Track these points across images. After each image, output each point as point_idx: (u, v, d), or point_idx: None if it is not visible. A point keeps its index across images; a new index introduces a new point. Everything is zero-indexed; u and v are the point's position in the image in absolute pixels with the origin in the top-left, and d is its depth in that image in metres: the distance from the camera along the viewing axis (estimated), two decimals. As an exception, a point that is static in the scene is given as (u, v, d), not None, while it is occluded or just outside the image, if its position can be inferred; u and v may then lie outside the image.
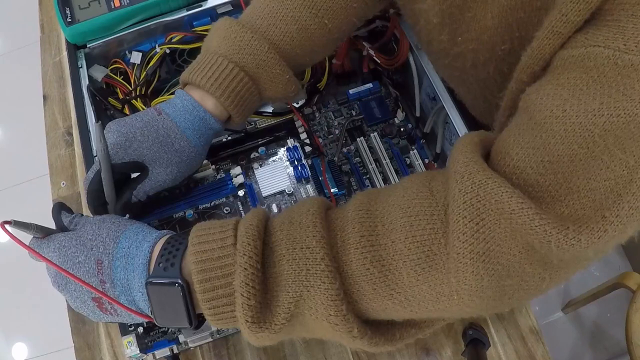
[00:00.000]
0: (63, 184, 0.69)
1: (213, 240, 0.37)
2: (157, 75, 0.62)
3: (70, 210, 0.45)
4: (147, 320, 0.41)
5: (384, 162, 0.59)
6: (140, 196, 0.47)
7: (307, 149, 0.60)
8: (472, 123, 0.54)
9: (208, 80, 0.46)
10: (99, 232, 0.41)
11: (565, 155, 0.32)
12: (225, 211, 0.53)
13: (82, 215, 0.45)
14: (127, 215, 0.47)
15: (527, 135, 0.34)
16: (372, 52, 0.63)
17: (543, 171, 0.33)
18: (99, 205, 0.47)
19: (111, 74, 0.62)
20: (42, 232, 0.42)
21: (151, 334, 0.50)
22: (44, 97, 0.75)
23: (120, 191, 0.47)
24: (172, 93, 0.61)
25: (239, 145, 0.62)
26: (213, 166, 0.55)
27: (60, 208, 0.45)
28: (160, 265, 0.38)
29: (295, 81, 0.50)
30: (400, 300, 0.36)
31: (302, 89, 0.63)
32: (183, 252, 0.38)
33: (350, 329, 0.36)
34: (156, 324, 0.40)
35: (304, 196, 0.58)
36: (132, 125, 0.46)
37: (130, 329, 0.49)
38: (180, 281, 0.37)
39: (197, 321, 0.39)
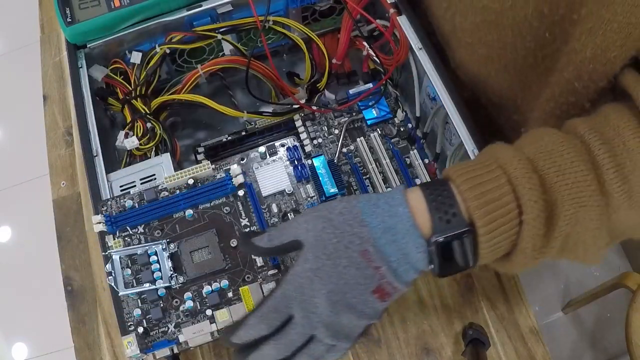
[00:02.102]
0: (63, 184, 0.69)
1: (487, 181, 0.38)
2: (157, 75, 0.61)
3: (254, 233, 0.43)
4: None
5: (384, 162, 0.59)
6: None
7: (307, 148, 0.60)
8: (472, 123, 0.54)
9: None
10: (336, 228, 0.39)
11: None
12: (225, 211, 0.53)
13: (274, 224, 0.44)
14: None
15: None
16: (372, 52, 0.63)
17: None
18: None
19: (111, 74, 0.62)
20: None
21: (151, 333, 0.50)
22: (44, 97, 0.75)
23: None
24: (172, 93, 0.61)
25: (239, 145, 0.62)
26: (213, 166, 0.55)
27: (245, 238, 0.43)
28: (441, 218, 0.38)
29: None
30: None
31: (303, 88, 0.63)
32: (454, 201, 0.38)
33: (605, 240, 0.40)
34: (435, 275, 0.40)
35: (304, 196, 0.58)
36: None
37: (130, 328, 0.49)
38: (469, 228, 0.38)
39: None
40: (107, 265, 0.50)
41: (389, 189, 0.39)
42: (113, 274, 0.50)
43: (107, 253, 0.51)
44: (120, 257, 0.50)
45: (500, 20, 0.48)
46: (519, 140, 0.42)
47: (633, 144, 0.38)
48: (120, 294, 0.50)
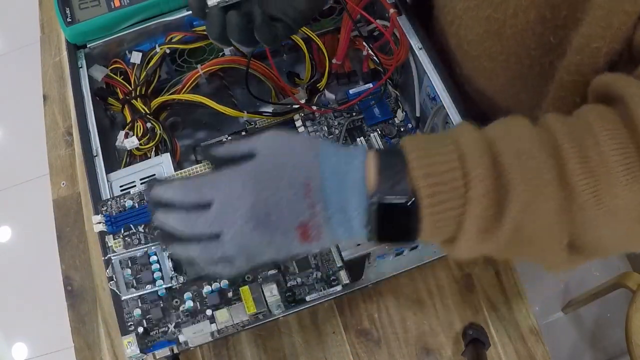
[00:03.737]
0: (63, 184, 0.69)
1: (436, 154, 0.36)
2: (157, 75, 0.62)
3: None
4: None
5: (384, 162, 0.59)
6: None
7: (307, 149, 0.60)
8: (472, 123, 0.54)
9: None
10: (292, 150, 0.38)
11: None
12: (225, 211, 0.53)
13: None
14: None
15: None
16: (372, 52, 0.63)
17: None
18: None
19: (111, 74, 0.62)
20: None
21: (151, 333, 0.50)
22: (44, 97, 0.75)
23: None
24: (172, 93, 0.61)
25: (239, 145, 0.62)
26: (213, 165, 0.55)
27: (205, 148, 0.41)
28: (387, 181, 0.37)
29: None
30: (613, 213, 0.36)
31: (303, 88, 0.63)
32: (404, 167, 0.37)
33: (564, 238, 0.37)
34: (371, 241, 0.38)
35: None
36: None
37: (130, 328, 0.49)
38: (413, 198, 0.36)
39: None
40: (107, 270, 0.50)
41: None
42: (114, 279, 0.50)
43: (107, 257, 0.50)
44: (120, 260, 0.50)
45: (503, 30, 0.48)
46: (489, 125, 0.40)
47: (603, 140, 0.36)
48: (123, 298, 0.50)
